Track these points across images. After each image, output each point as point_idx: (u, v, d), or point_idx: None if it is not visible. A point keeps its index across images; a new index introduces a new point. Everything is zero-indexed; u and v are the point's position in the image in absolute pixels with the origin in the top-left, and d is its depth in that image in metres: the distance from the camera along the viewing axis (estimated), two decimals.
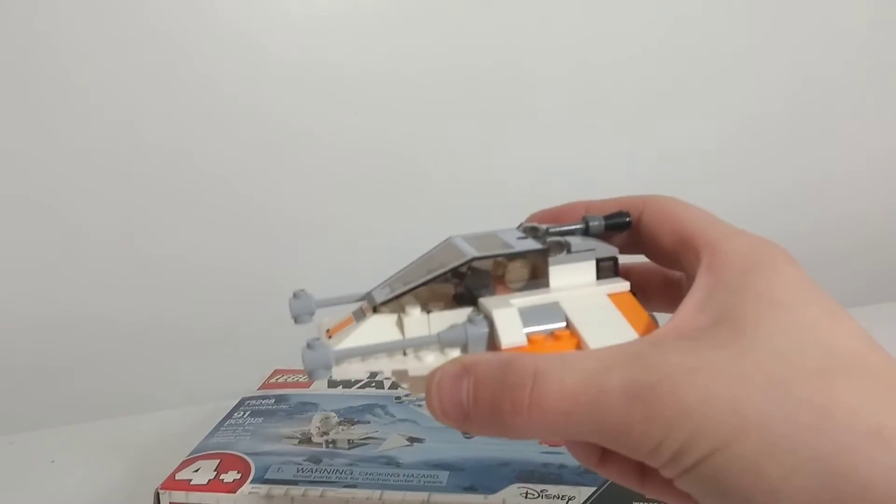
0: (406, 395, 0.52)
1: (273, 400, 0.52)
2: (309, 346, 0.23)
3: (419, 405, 0.50)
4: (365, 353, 0.24)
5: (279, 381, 0.56)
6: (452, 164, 0.74)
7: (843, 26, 0.83)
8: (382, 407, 0.50)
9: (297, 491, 0.40)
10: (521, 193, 0.76)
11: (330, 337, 0.25)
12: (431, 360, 0.24)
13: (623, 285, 0.26)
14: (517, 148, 0.75)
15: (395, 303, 0.25)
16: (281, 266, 0.71)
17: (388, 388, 0.53)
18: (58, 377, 0.68)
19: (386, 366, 0.24)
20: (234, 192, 0.69)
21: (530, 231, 0.28)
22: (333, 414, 0.49)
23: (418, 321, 0.25)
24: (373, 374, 0.57)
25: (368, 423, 0.48)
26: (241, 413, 0.50)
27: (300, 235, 0.71)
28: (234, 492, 0.40)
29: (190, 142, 0.66)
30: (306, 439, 0.46)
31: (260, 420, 0.49)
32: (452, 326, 0.24)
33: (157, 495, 0.40)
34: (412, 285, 0.25)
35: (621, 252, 0.27)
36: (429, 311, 0.25)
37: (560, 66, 0.75)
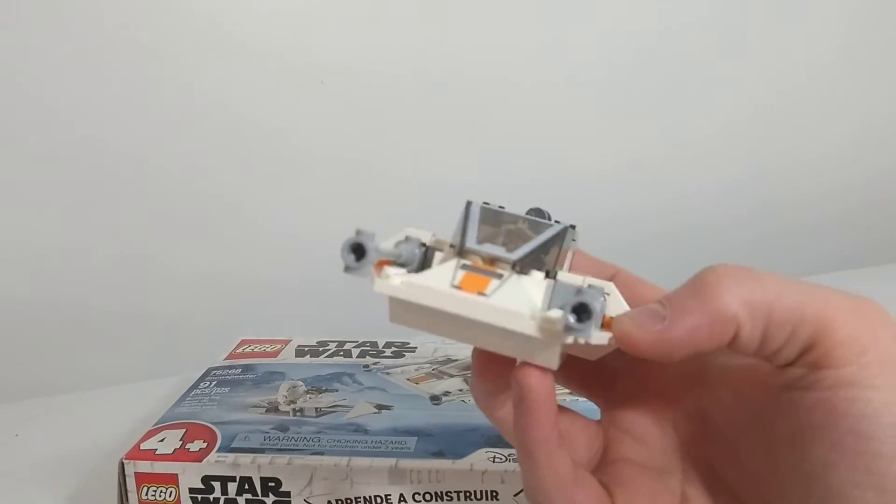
0: (374, 364, 0.52)
1: (240, 370, 0.52)
2: (592, 294, 0.21)
3: (387, 373, 0.50)
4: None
5: (246, 350, 0.55)
6: (413, 166, 0.74)
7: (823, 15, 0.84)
8: (350, 375, 0.50)
9: (264, 459, 0.40)
10: (482, 197, 0.76)
11: (482, 293, 0.23)
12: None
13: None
14: (478, 153, 0.76)
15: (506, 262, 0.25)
16: (245, 257, 0.70)
17: (356, 357, 0.53)
18: (22, 350, 0.66)
19: None
20: (194, 189, 0.68)
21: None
22: (301, 383, 0.49)
23: (541, 284, 0.24)
24: (341, 343, 0.57)
25: (336, 391, 0.48)
26: (208, 383, 0.50)
27: (258, 227, 0.70)
28: (201, 461, 0.40)
29: (151, 134, 0.65)
30: (273, 408, 0.46)
31: (226, 390, 0.48)
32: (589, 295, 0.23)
33: (122, 465, 0.40)
34: (537, 242, 0.25)
35: None
36: (548, 276, 0.25)
37: (527, 74, 0.75)
